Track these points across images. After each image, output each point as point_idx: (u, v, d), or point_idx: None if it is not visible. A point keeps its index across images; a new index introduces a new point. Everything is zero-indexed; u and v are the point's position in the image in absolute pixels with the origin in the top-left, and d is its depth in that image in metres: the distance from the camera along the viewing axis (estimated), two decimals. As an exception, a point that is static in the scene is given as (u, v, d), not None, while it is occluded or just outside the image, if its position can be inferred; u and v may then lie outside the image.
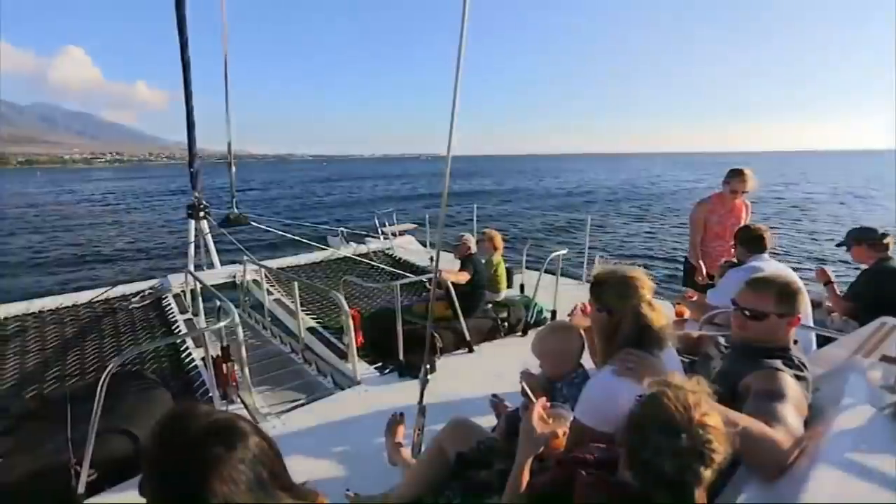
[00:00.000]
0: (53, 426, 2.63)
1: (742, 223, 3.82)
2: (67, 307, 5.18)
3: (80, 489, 2.11)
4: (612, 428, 1.36)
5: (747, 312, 1.53)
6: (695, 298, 3.04)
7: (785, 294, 1.50)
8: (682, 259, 4.28)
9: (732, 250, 3.86)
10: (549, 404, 1.24)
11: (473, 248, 4.32)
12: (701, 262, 3.88)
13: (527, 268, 5.73)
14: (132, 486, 2.32)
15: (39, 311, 5.02)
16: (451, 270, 4.19)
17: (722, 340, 1.76)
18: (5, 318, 4.81)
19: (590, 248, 6.08)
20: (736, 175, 3.70)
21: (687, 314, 3.23)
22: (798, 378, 1.38)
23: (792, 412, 1.24)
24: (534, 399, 1.27)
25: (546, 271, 4.36)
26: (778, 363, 1.40)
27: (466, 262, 4.20)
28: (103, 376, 2.11)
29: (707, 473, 0.90)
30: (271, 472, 0.74)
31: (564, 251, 4.60)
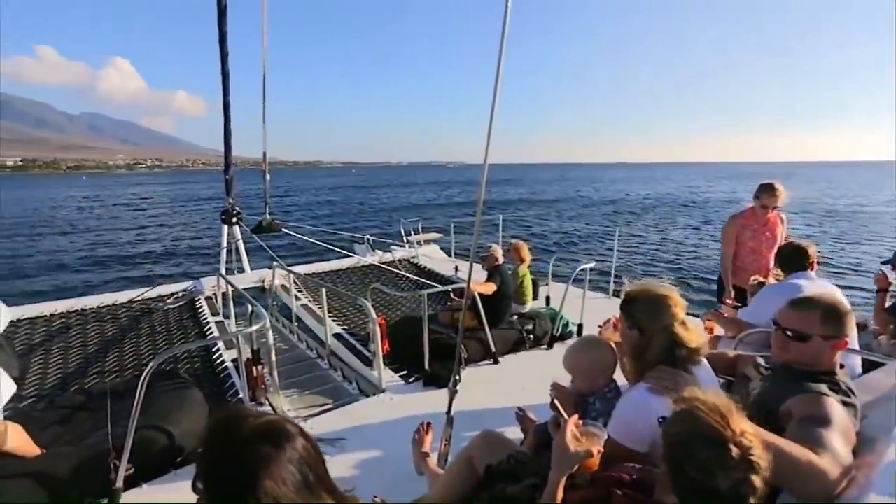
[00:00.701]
0: (95, 420, 2.75)
1: (777, 236, 3.70)
2: (108, 306, 5.42)
3: (118, 482, 2.19)
4: (645, 447, 1.33)
5: (789, 333, 1.47)
6: (726, 314, 2.92)
7: (831, 315, 1.43)
8: (718, 275, 4.14)
9: (770, 265, 3.73)
10: (581, 422, 1.22)
11: (501, 260, 4.31)
12: (730, 285, 3.75)
13: (553, 280, 5.67)
14: (166, 482, 2.40)
15: (82, 309, 5.27)
16: (478, 281, 4.19)
17: (761, 361, 1.69)
18: (51, 315, 5.07)
19: (618, 261, 5.98)
20: (766, 190, 3.59)
21: (716, 330, 3.12)
22: (845, 404, 1.31)
23: (839, 439, 1.18)
24: (565, 415, 1.25)
25: (573, 284, 4.31)
26: (823, 387, 1.34)
27: (494, 273, 4.19)
28: (143, 375, 2.19)
29: (759, 482, 0.88)
30: (316, 473, 0.77)
31: (592, 264, 4.54)
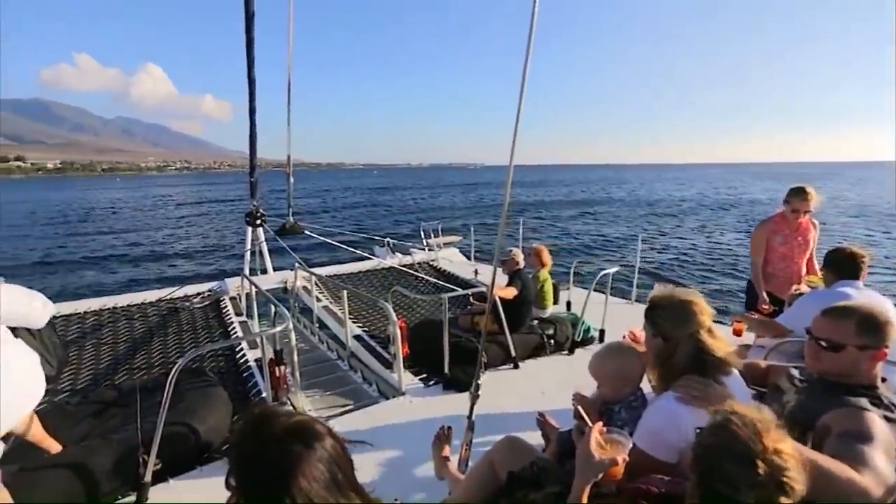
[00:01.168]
0: (124, 416, 2.84)
1: (810, 242, 3.56)
2: (137, 304, 5.60)
3: (147, 477, 2.26)
4: (673, 457, 1.30)
5: (822, 343, 1.41)
6: (757, 317, 2.80)
7: (867, 323, 1.36)
8: (747, 283, 4.00)
9: (802, 271, 3.59)
10: (605, 429, 1.20)
11: (522, 264, 4.28)
12: (762, 292, 3.62)
13: (574, 284, 5.60)
14: (192, 478, 2.46)
15: (114, 308, 5.46)
16: (500, 285, 4.16)
17: (795, 373, 1.62)
18: (85, 313, 5.26)
19: (641, 265, 5.86)
20: (798, 194, 3.45)
21: (745, 334, 2.99)
22: (888, 420, 1.25)
23: (881, 457, 1.13)
24: (589, 422, 1.23)
25: (595, 289, 4.25)
26: (863, 402, 1.28)
27: (514, 277, 4.16)
28: (172, 373, 2.24)
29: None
30: (344, 473, 0.77)
31: (615, 269, 4.47)
